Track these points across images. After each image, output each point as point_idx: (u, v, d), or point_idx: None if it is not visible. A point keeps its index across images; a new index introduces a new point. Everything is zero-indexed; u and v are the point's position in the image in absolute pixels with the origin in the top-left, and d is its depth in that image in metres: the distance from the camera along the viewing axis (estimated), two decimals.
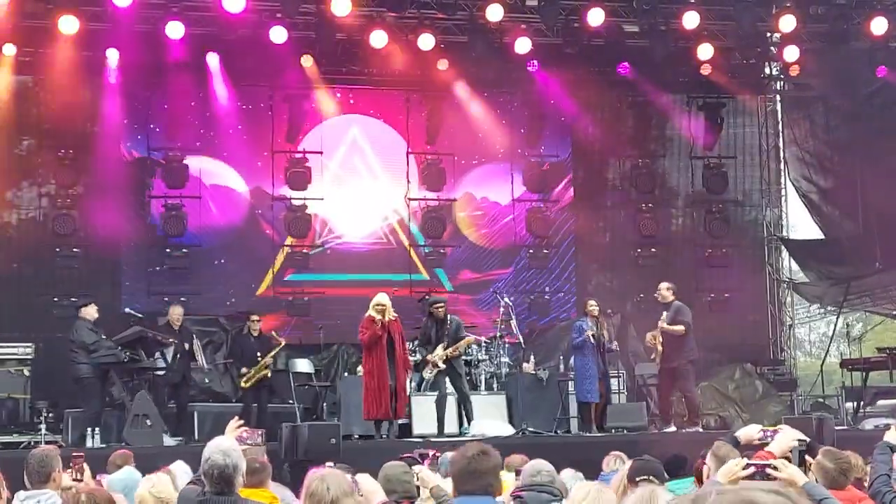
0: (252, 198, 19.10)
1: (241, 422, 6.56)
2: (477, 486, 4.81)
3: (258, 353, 15.62)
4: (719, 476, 4.94)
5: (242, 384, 15.58)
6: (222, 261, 18.79)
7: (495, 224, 20.02)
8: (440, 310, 14.61)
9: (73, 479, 6.95)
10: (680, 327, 14.81)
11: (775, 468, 4.80)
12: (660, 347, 15.02)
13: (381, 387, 13.36)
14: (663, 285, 15.32)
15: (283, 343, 15.95)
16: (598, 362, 14.76)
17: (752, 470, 4.73)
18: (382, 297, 13.58)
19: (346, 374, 17.42)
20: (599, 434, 14.40)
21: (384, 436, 13.62)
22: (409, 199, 19.68)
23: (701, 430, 15.02)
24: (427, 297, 15.81)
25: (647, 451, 6.77)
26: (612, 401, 15.66)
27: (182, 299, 16.96)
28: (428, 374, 14.35)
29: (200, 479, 5.47)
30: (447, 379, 14.36)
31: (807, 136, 21.07)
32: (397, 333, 13.47)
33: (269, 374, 15.56)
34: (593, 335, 14.68)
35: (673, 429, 14.83)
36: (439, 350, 14.23)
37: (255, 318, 15.90)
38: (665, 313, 15.00)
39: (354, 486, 5.05)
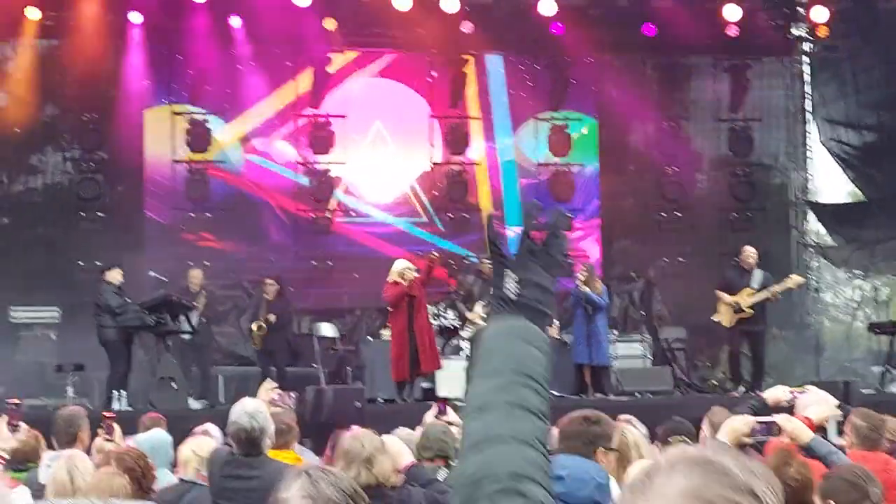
0: (276, 161, 19.07)
1: (276, 385, 6.56)
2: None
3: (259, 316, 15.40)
4: (722, 434, 4.92)
5: (255, 346, 15.53)
6: (246, 224, 18.78)
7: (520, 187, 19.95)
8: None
9: (105, 440, 7.00)
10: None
11: (780, 425, 4.79)
12: (750, 311, 15.16)
13: (402, 348, 13.45)
14: (753, 251, 15.37)
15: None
16: (584, 325, 14.66)
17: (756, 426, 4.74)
18: (404, 263, 13.68)
19: (369, 338, 17.42)
20: (614, 398, 14.39)
21: (405, 399, 13.67)
22: (433, 163, 19.62)
23: (760, 392, 15.01)
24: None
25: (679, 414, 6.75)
26: (613, 366, 15.51)
27: (206, 263, 16.99)
28: (468, 332, 14.20)
29: (229, 441, 5.49)
30: None
31: (836, 97, 20.83)
32: (418, 289, 13.54)
33: (260, 328, 15.15)
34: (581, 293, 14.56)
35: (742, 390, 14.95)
36: (478, 308, 14.17)
37: (269, 281, 15.75)
38: (756, 278, 15.35)
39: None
